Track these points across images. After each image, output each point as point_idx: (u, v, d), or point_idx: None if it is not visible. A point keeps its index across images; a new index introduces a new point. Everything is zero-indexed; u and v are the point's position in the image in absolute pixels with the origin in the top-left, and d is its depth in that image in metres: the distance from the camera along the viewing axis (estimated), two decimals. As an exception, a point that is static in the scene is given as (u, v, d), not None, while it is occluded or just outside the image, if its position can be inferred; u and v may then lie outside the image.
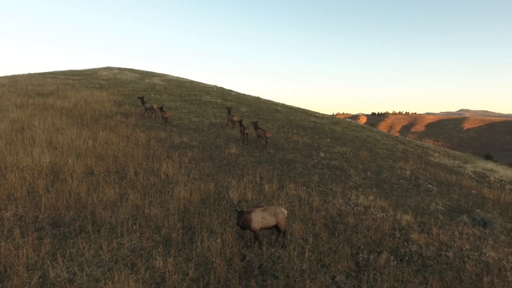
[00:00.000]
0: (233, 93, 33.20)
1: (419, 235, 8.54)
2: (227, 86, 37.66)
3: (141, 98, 18.50)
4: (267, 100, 33.48)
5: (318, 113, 31.14)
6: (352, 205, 9.87)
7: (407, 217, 9.58)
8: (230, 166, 12.12)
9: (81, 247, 6.31)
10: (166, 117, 17.25)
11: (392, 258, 7.24)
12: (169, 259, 6.14)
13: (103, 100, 21.10)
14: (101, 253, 6.17)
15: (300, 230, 7.82)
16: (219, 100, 26.92)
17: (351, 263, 6.87)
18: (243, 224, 6.47)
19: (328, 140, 18.35)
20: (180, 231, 7.20)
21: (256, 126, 15.61)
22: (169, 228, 7.25)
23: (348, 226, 8.54)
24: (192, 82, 37.99)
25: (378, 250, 7.58)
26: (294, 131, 19.49)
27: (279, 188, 10.53)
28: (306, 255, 6.81)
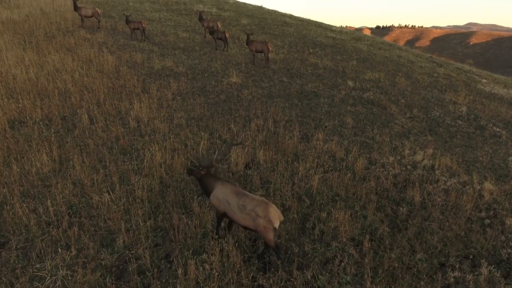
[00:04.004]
0: (231, 2, 27.38)
1: (517, 220, 5.65)
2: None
3: (74, 1, 13.17)
4: (272, 11, 27.80)
5: (335, 26, 25.99)
6: (408, 167, 6.79)
7: (489, 186, 6.58)
8: (230, 103, 8.72)
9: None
10: (143, 27, 12.99)
11: (497, 273, 4.44)
12: (121, 315, 3.25)
13: (66, 10, 16.41)
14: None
15: (347, 224, 4.85)
16: (214, 9, 21.78)
17: (439, 291, 4.07)
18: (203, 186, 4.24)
19: (354, 62, 14.41)
20: (149, 239, 4.20)
21: (248, 39, 11.54)
22: (129, 234, 4.24)
23: (413, 207, 5.60)
24: (181, -13, 31.41)
25: (470, 255, 4.75)
26: (310, 50, 15.37)
27: (302, 138, 7.33)
28: (368, 284, 3.94)
